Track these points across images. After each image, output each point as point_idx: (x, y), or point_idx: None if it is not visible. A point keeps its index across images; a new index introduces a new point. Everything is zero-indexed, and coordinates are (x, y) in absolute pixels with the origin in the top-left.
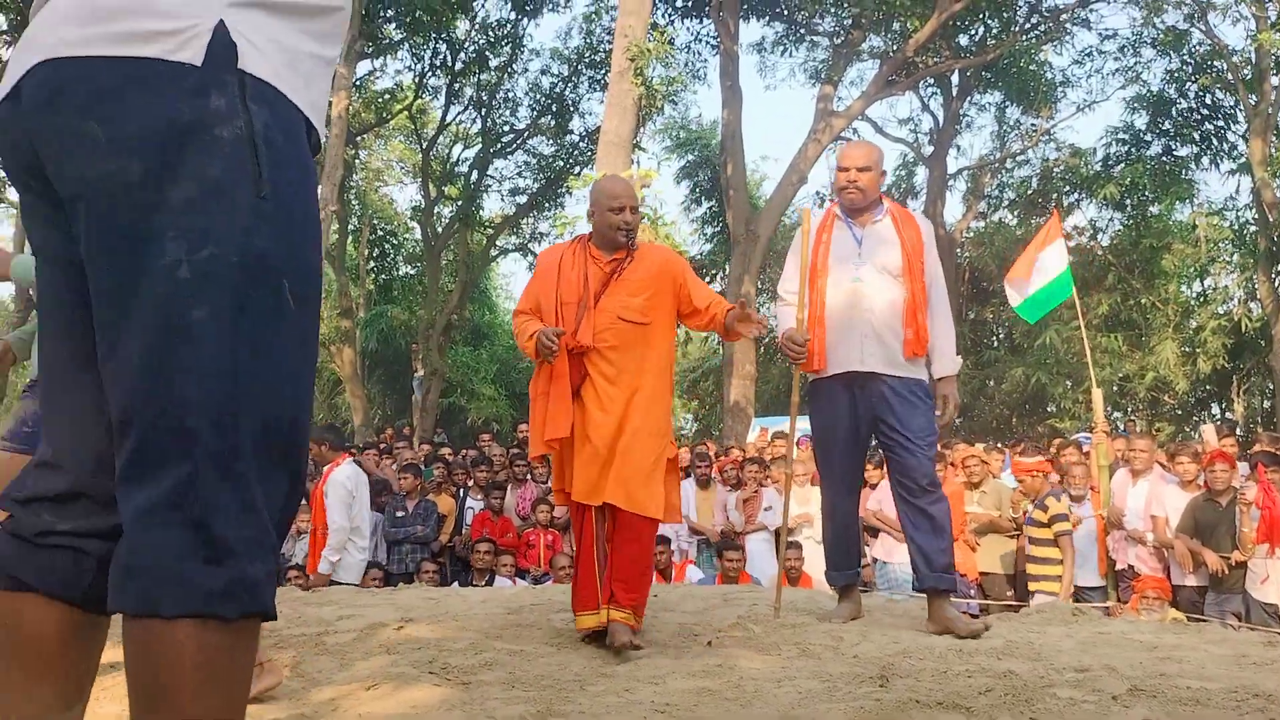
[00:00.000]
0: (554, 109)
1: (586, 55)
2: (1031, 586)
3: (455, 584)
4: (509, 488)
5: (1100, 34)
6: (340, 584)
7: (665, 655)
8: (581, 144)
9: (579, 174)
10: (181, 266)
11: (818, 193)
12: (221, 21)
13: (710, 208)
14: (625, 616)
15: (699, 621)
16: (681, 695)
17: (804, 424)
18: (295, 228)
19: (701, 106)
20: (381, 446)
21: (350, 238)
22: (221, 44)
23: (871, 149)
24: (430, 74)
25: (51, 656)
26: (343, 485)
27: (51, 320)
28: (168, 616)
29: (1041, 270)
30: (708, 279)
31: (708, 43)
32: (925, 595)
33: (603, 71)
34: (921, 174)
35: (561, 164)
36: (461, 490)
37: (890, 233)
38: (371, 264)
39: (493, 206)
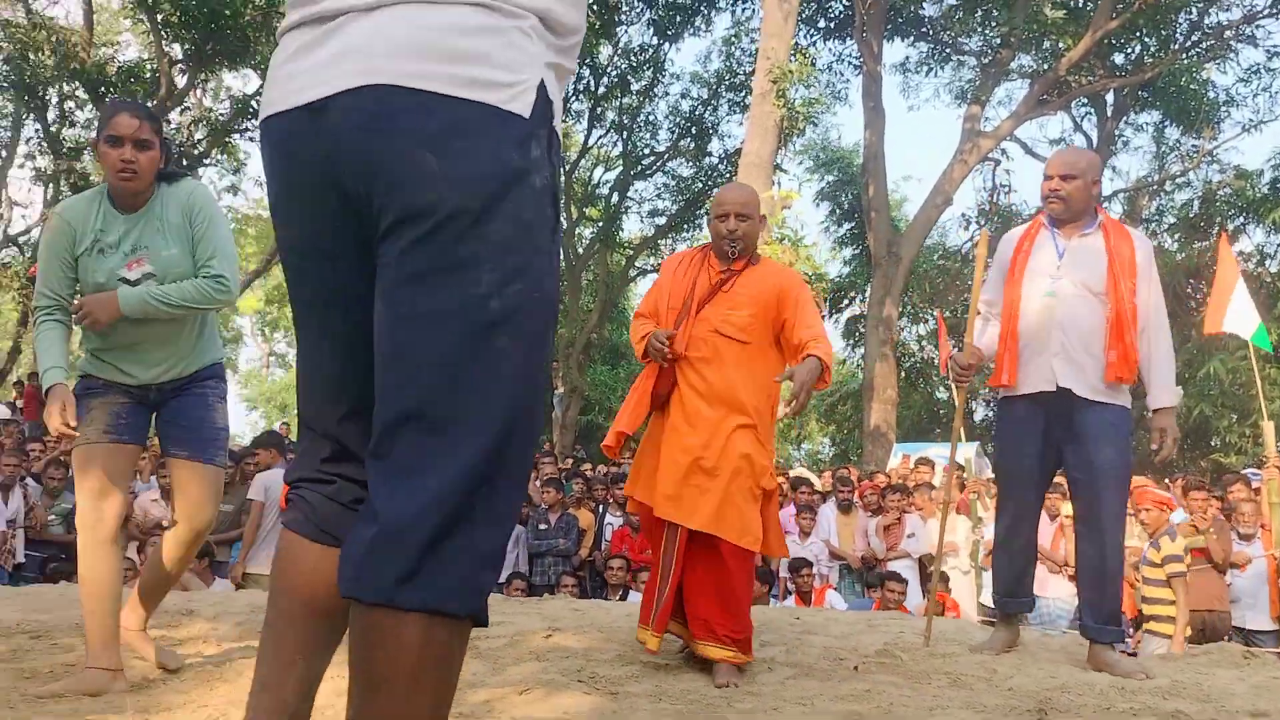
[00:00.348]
0: (693, 131)
1: (726, 78)
2: (1146, 627)
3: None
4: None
5: (1268, 51)
6: None
7: (811, 678)
8: (720, 166)
9: None
10: (494, 298)
11: (963, 214)
12: (543, 80)
13: (850, 229)
14: (730, 655)
15: (844, 646)
16: (830, 718)
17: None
18: (558, 269)
19: (842, 128)
20: None
21: None
22: (543, 100)
23: (1080, 156)
24: (573, 98)
25: (336, 604)
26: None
27: (318, 320)
28: (405, 608)
29: (1242, 295)
30: (847, 301)
31: (850, 63)
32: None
33: (742, 94)
34: None
35: (700, 186)
36: (601, 506)
37: (1099, 247)
38: None
39: (632, 228)
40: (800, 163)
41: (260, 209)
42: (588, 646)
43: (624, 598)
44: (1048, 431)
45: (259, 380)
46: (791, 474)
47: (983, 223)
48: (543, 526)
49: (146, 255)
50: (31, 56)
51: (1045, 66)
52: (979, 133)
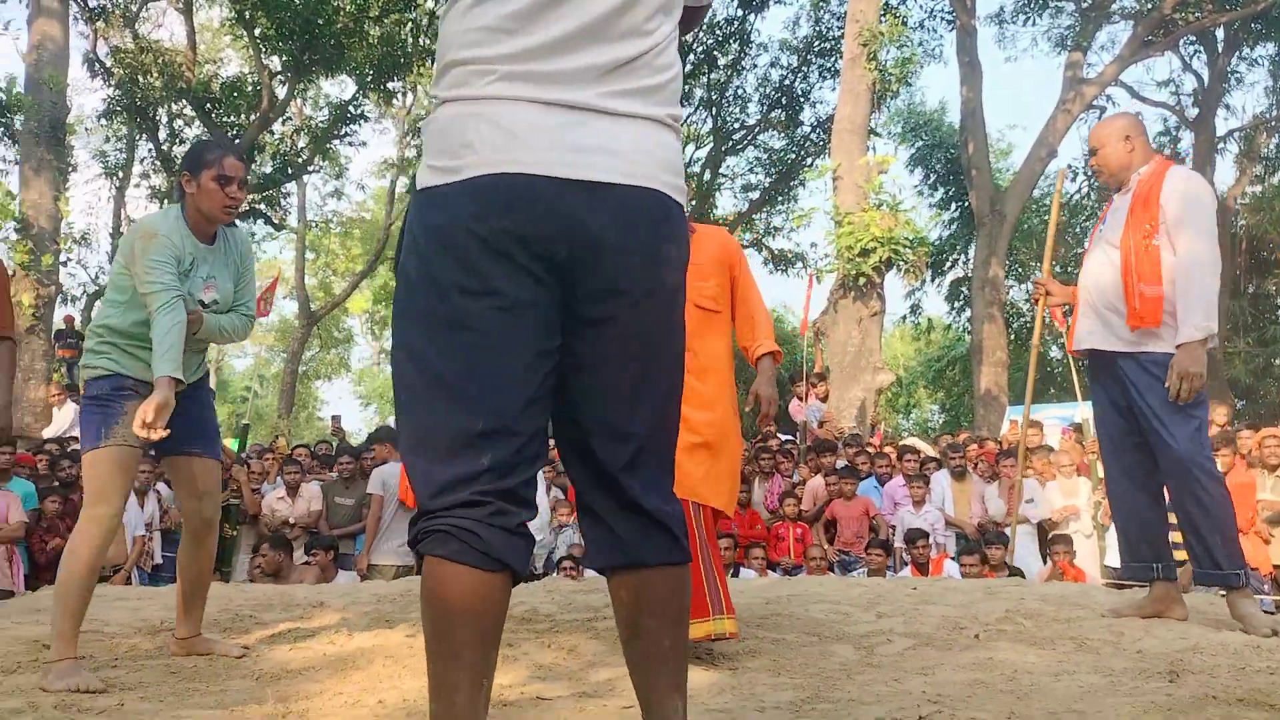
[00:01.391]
0: (784, 101)
1: (816, 44)
2: None
3: None
4: (755, 481)
5: None
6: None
7: (932, 647)
8: (813, 135)
9: (812, 165)
10: (680, 343)
11: (1069, 165)
12: None
13: (946, 193)
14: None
15: (964, 615)
16: (953, 687)
17: (1068, 411)
18: None
19: (932, 89)
20: None
21: None
22: None
23: (1102, 126)
24: None
25: (503, 622)
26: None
27: (515, 365)
28: (686, 563)
29: None
30: (949, 264)
31: (943, 19)
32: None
33: (833, 59)
34: (1187, 139)
35: (793, 156)
36: None
37: (1129, 203)
38: None
39: (725, 204)
40: (889, 129)
41: (363, 211)
42: None
43: (735, 574)
44: (1110, 390)
45: (371, 377)
46: (901, 443)
47: (1089, 174)
48: None
49: (214, 284)
50: (141, 79)
51: (1149, 6)
52: (1082, 80)
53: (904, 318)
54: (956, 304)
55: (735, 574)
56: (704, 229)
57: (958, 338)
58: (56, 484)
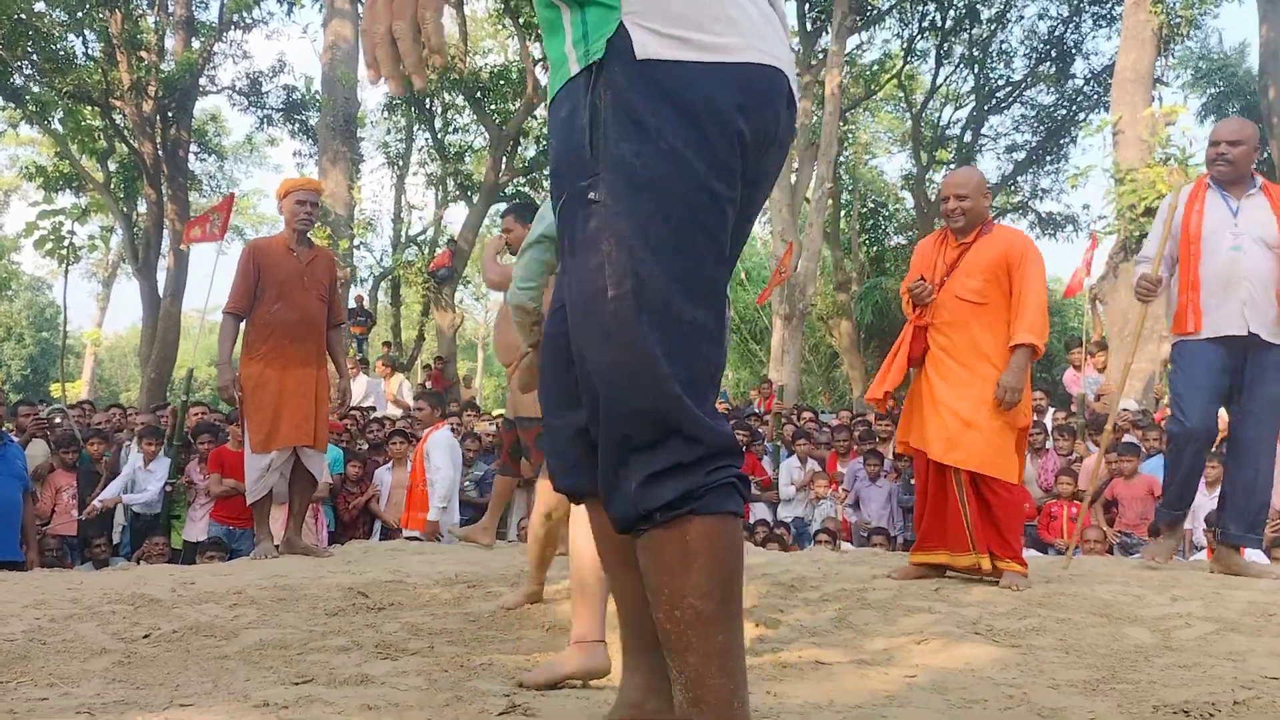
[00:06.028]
0: (1053, 54)
1: None
2: None
3: None
4: (1027, 457)
5: None
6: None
7: (1239, 633)
8: (1086, 88)
9: (1086, 120)
10: None
11: None
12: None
13: None
14: (1018, 569)
15: (1273, 601)
16: (1270, 675)
17: None
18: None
19: (1229, 29)
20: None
21: (843, 212)
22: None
23: (1243, 126)
24: (919, 37)
25: None
26: (445, 442)
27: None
28: None
29: None
30: None
31: None
32: None
33: (1109, 5)
34: None
35: (1064, 112)
36: None
37: (1265, 206)
38: (863, 237)
39: (988, 166)
40: (1178, 76)
41: None
42: (981, 599)
43: None
44: (1232, 370)
45: None
46: None
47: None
48: None
49: None
50: None
51: None
52: None
53: None
54: None
55: None
56: (999, 232)
57: None
58: (365, 447)
